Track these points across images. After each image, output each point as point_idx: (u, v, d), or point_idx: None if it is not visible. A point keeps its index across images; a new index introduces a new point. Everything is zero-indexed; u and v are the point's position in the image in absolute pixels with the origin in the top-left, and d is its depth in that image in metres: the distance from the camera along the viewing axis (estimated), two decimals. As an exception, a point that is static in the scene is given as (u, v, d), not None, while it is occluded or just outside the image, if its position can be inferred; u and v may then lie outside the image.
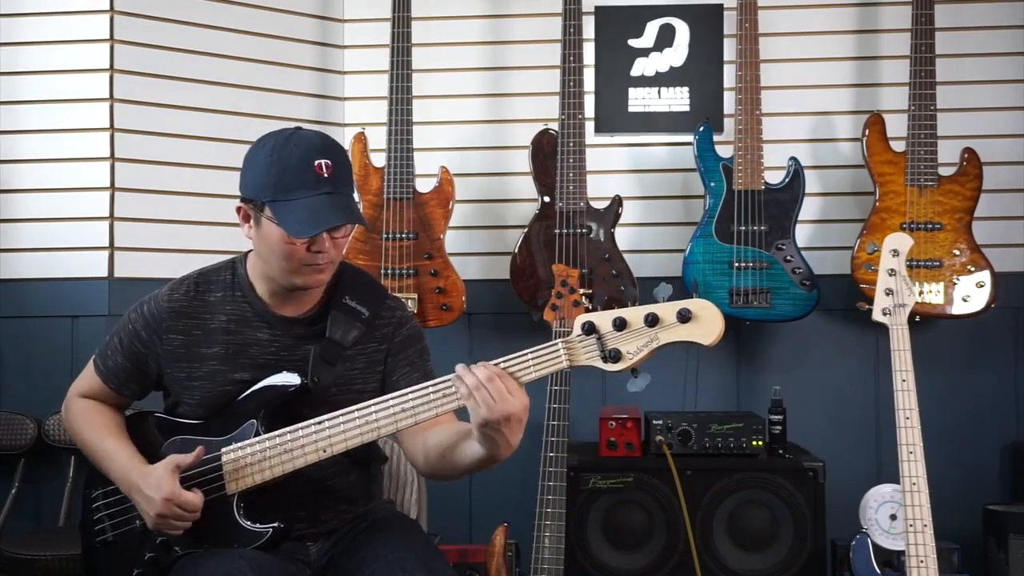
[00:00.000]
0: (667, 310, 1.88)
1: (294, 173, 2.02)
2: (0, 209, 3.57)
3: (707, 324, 1.87)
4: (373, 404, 2.03)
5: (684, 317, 1.87)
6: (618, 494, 3.22)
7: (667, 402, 3.68)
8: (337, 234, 2.09)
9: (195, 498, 2.04)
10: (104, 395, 2.26)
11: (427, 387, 1.99)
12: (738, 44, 3.56)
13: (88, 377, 2.27)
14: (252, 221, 2.10)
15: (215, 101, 3.69)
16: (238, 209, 2.13)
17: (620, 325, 1.89)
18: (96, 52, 3.54)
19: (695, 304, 1.87)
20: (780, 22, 3.80)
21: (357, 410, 2.03)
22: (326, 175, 2.03)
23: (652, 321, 1.88)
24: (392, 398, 2.02)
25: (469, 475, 2.09)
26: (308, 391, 2.12)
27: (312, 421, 2.06)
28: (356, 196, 3.49)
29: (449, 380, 1.97)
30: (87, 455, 2.24)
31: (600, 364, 1.91)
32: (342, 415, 2.04)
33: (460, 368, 1.92)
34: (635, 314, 1.90)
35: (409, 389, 2.01)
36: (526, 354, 1.94)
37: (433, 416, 1.99)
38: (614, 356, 1.90)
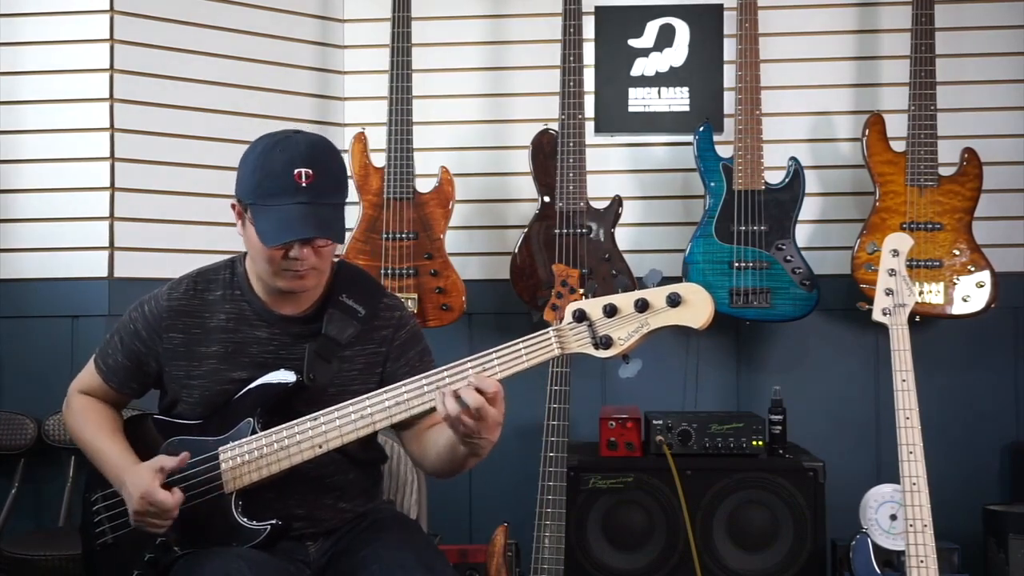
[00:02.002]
0: (657, 295, 1.89)
1: (274, 179, 2.02)
2: (0, 209, 3.57)
3: (696, 308, 1.87)
4: (367, 398, 2.04)
5: (674, 301, 1.87)
6: (618, 494, 3.22)
7: (667, 402, 3.68)
8: (317, 242, 2.07)
9: (169, 498, 2.04)
10: (104, 393, 2.27)
11: (420, 380, 2.00)
12: (738, 44, 3.56)
13: (89, 375, 2.28)
14: (241, 220, 2.12)
15: (215, 101, 3.69)
16: (232, 206, 2.14)
17: (610, 311, 1.90)
18: (96, 52, 3.54)
19: (684, 288, 1.88)
20: (780, 22, 3.80)
21: (351, 405, 2.04)
22: (304, 184, 2.01)
23: (642, 306, 1.88)
24: (386, 391, 2.02)
25: (464, 470, 2.10)
26: (305, 389, 2.12)
27: (307, 417, 2.06)
28: (357, 197, 3.51)
29: (442, 373, 1.98)
30: (83, 451, 2.24)
31: (591, 351, 1.92)
32: (337, 410, 2.05)
33: (448, 390, 1.91)
34: (625, 300, 1.90)
35: (403, 382, 2.02)
36: (518, 344, 1.94)
37: (427, 410, 1.99)
38: (605, 342, 1.90)
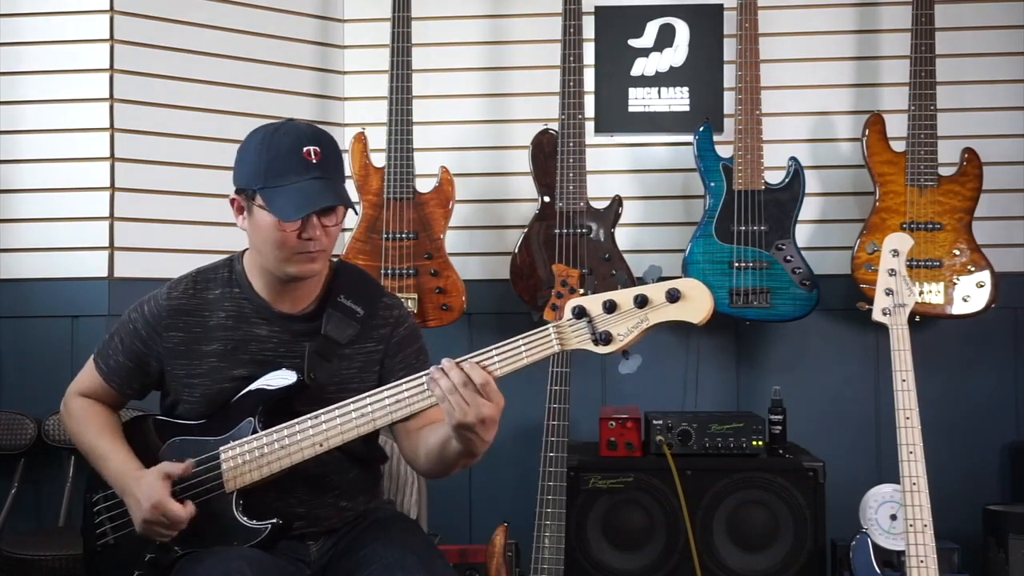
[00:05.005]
0: (656, 290, 1.89)
1: (284, 159, 2.06)
2: (0, 209, 3.57)
3: (696, 303, 1.87)
4: (368, 396, 2.04)
5: (673, 297, 1.88)
6: (618, 494, 3.22)
7: (667, 402, 3.68)
8: (328, 221, 2.09)
9: (182, 511, 2.05)
10: (104, 394, 2.26)
11: (421, 377, 2.00)
12: (738, 44, 3.56)
13: (88, 376, 2.28)
14: (245, 211, 2.13)
15: (215, 101, 3.69)
16: (232, 201, 2.15)
17: (610, 307, 1.91)
18: (96, 52, 3.54)
19: (684, 284, 1.89)
20: (780, 22, 3.80)
21: (352, 403, 2.04)
22: (315, 161, 2.06)
23: (642, 302, 1.89)
24: (386, 390, 2.03)
25: (457, 470, 2.10)
26: (305, 388, 2.12)
27: (307, 416, 2.06)
28: (357, 197, 3.52)
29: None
30: (84, 455, 2.24)
31: (591, 347, 1.92)
32: (337, 409, 2.05)
33: (435, 371, 1.93)
34: (625, 296, 1.91)
35: (403, 380, 2.02)
36: (518, 340, 1.95)
37: (427, 407, 2.00)
38: (605, 338, 1.91)
